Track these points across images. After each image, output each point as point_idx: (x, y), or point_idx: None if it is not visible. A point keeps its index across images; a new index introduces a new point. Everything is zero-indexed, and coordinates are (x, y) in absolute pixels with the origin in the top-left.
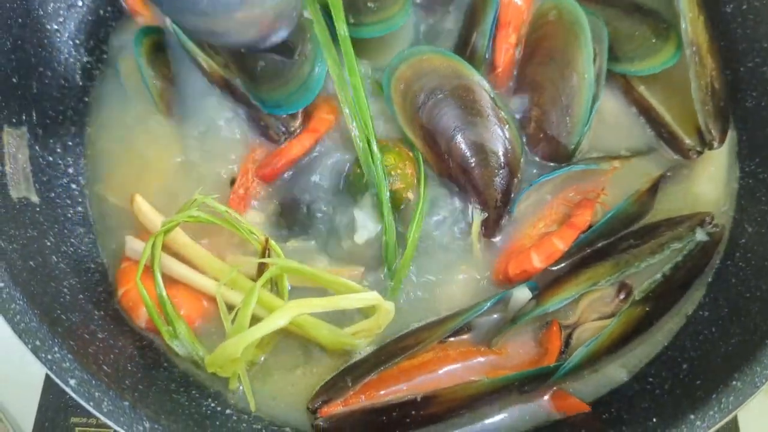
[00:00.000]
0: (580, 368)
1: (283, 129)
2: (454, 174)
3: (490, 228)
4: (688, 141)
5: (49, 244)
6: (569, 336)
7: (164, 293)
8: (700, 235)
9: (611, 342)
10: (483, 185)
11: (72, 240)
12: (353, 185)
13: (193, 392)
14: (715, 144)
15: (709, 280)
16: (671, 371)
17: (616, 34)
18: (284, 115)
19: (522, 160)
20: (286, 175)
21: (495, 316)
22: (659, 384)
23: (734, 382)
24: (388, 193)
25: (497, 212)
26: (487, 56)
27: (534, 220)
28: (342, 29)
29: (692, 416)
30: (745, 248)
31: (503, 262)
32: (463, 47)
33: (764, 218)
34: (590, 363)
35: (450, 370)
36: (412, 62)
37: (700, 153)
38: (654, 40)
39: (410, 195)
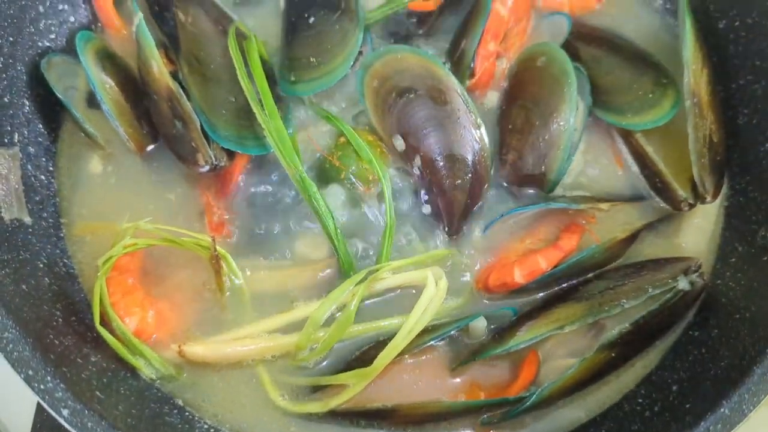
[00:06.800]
0: (536, 408)
1: (213, 157)
2: (421, 172)
3: (452, 229)
4: (681, 193)
5: (41, 265)
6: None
7: (128, 333)
8: (683, 284)
9: (571, 385)
10: (449, 186)
11: (65, 260)
12: (324, 173)
13: (186, 414)
14: (708, 198)
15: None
16: (661, 393)
17: (614, 83)
18: (218, 146)
19: (491, 167)
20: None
21: (455, 334)
22: (649, 405)
23: (722, 410)
24: (333, 222)
25: (462, 215)
26: (472, 64)
27: (522, 235)
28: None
29: None
30: (735, 267)
31: (486, 272)
32: (453, 51)
33: (754, 237)
34: (546, 404)
35: (414, 385)
36: (387, 60)
37: (692, 206)
38: (651, 95)
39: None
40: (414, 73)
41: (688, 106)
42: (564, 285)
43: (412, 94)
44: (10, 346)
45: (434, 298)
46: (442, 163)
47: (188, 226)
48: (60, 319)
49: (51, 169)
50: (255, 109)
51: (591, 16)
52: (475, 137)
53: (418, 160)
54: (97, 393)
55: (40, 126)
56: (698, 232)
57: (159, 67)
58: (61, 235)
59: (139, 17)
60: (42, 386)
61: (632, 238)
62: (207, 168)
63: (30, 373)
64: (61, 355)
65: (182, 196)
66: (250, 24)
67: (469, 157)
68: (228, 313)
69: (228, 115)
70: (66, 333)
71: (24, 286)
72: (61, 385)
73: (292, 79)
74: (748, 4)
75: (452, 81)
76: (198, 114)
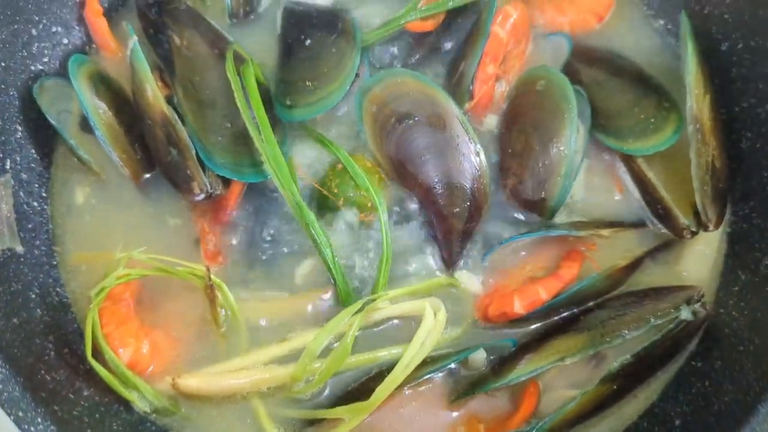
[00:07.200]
0: None
1: (208, 185)
2: (419, 198)
3: (451, 257)
4: (683, 220)
5: (33, 296)
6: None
7: (121, 366)
8: (685, 314)
9: (572, 418)
10: (447, 214)
11: (58, 289)
12: (321, 200)
13: None
14: (711, 226)
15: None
16: (663, 426)
17: (615, 107)
18: (214, 174)
19: (490, 194)
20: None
21: (454, 366)
22: None
23: None
24: (330, 252)
25: (460, 243)
26: (471, 87)
27: (522, 262)
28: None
29: None
30: (738, 296)
31: (485, 301)
32: (452, 74)
33: (758, 265)
34: None
35: (412, 418)
36: (386, 84)
37: (694, 233)
38: (653, 120)
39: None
40: (413, 99)
41: (691, 132)
42: (565, 314)
43: (411, 120)
44: (0, 386)
45: (433, 330)
46: (440, 191)
47: (184, 254)
48: (52, 352)
49: (44, 195)
50: (253, 135)
51: (591, 35)
52: (474, 164)
53: (416, 188)
54: (89, 431)
55: (33, 151)
56: (700, 259)
57: (153, 92)
58: (54, 263)
59: (133, 40)
60: (32, 428)
61: (633, 265)
62: (202, 196)
63: (20, 414)
64: (53, 391)
65: (178, 223)
66: (246, 44)
67: (468, 185)
68: (223, 343)
69: (224, 142)
70: (58, 367)
71: (15, 320)
72: (52, 427)
73: (288, 103)
74: (751, 26)
75: (452, 106)
76: (193, 140)
